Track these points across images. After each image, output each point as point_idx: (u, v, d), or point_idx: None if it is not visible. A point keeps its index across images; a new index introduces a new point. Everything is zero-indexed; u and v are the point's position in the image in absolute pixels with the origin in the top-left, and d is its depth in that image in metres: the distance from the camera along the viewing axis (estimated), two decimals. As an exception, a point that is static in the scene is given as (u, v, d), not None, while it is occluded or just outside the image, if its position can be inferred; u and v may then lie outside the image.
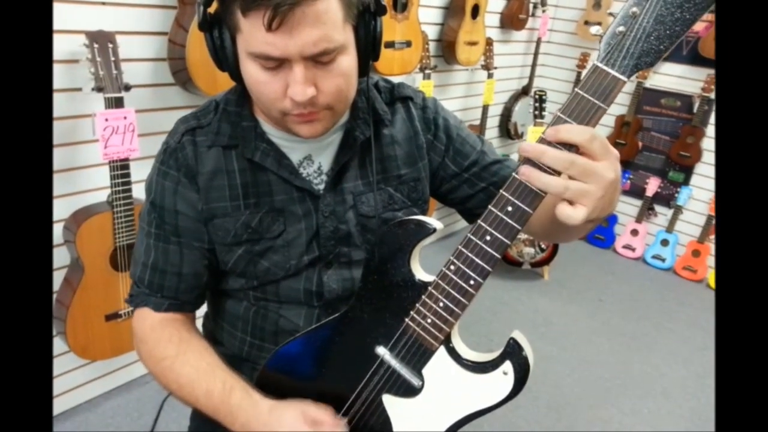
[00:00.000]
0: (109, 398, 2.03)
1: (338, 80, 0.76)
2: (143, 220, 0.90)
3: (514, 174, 0.67)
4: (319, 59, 0.72)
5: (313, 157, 0.89)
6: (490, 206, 0.70)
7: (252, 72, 0.74)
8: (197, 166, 0.86)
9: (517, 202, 0.68)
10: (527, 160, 0.66)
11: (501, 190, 0.69)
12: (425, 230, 0.78)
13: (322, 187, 0.89)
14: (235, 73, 0.78)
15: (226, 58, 0.76)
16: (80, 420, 1.92)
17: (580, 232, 0.89)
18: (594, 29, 0.64)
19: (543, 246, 3.07)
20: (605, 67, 0.63)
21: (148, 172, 0.91)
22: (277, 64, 0.72)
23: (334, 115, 0.81)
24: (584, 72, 3.34)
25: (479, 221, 0.71)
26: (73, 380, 1.93)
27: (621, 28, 0.62)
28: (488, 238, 0.70)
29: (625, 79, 0.62)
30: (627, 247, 3.60)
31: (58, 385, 1.89)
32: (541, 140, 0.65)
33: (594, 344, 2.68)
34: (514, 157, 3.89)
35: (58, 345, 1.77)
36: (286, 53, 0.70)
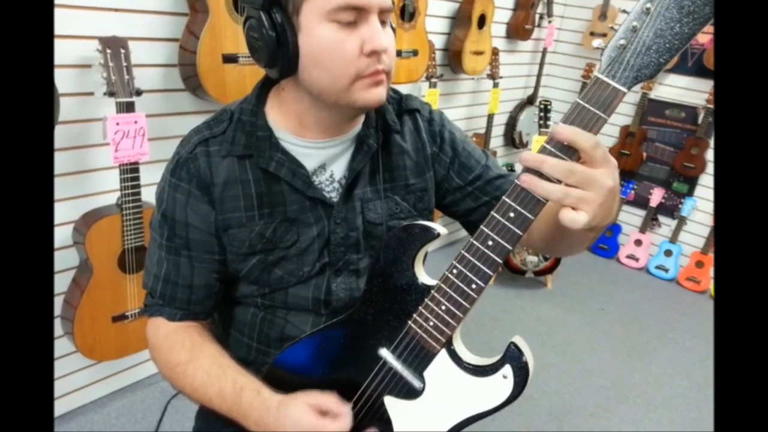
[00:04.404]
0: (113, 399, 2.04)
1: (392, 44, 0.82)
2: (155, 231, 0.91)
3: (516, 181, 0.69)
4: (384, 17, 0.79)
5: (327, 165, 0.90)
6: (492, 212, 0.71)
7: (327, 35, 0.76)
8: (211, 177, 0.86)
9: (518, 208, 0.69)
10: (529, 170, 0.68)
11: (503, 197, 0.71)
12: (429, 235, 0.80)
13: (334, 195, 0.91)
14: (293, 52, 0.78)
15: (285, 36, 0.77)
16: (85, 420, 1.94)
17: (580, 244, 0.89)
18: (596, 42, 0.66)
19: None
20: (606, 79, 0.64)
21: (159, 182, 0.92)
22: (354, 19, 0.76)
23: (388, 84, 0.84)
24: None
25: (482, 226, 0.73)
26: (79, 380, 1.95)
27: (622, 41, 0.64)
28: (490, 243, 0.72)
29: (626, 90, 0.64)
30: (630, 257, 3.60)
31: (64, 385, 1.91)
32: (543, 149, 0.67)
33: (596, 353, 2.68)
34: (519, 165, 3.90)
35: (65, 345, 1.79)
36: (369, 2, 0.75)
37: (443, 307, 0.77)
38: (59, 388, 1.90)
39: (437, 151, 0.98)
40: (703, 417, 2.33)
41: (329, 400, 0.82)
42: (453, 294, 0.76)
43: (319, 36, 0.76)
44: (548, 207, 0.69)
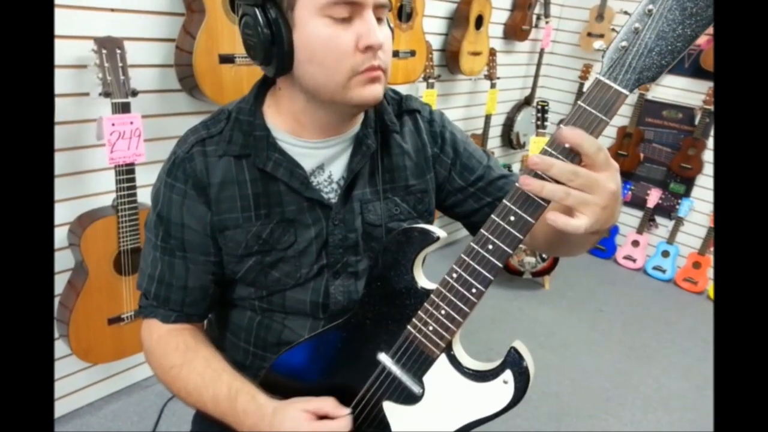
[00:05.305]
0: (110, 401, 2.03)
1: (389, 41, 0.81)
2: (150, 231, 0.90)
3: (516, 184, 0.69)
4: (380, 13, 0.78)
5: (325, 166, 0.90)
6: (492, 215, 0.71)
7: (320, 31, 0.75)
8: (207, 178, 0.85)
9: (519, 211, 0.69)
10: (529, 173, 0.67)
11: (504, 200, 0.70)
12: (429, 238, 0.79)
13: (332, 196, 0.90)
14: (287, 49, 0.77)
15: (280, 32, 0.76)
16: (81, 423, 1.93)
17: (583, 245, 0.89)
18: (597, 44, 0.65)
19: (544, 255, 3.08)
20: (608, 81, 0.64)
21: (155, 182, 0.91)
22: (349, 14, 0.74)
23: (385, 82, 0.83)
24: (587, 84, 3.35)
25: (482, 230, 0.72)
26: (75, 383, 1.93)
27: (623, 43, 0.63)
28: (490, 246, 0.71)
29: (627, 92, 0.63)
30: (628, 257, 3.60)
31: (60, 388, 1.90)
32: (544, 151, 0.66)
33: (594, 354, 2.68)
34: (517, 166, 3.90)
35: (61, 348, 1.78)
36: None
37: (443, 312, 0.76)
38: (55, 390, 1.88)
39: (438, 152, 0.97)
40: (701, 418, 2.33)
41: (327, 403, 0.82)
42: (453, 298, 0.75)
43: (313, 31, 0.75)
44: (550, 208, 0.68)
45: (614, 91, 0.63)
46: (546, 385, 2.40)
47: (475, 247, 0.72)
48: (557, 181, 0.65)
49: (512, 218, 0.69)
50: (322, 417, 0.81)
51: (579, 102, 0.65)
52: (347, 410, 0.83)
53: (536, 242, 0.93)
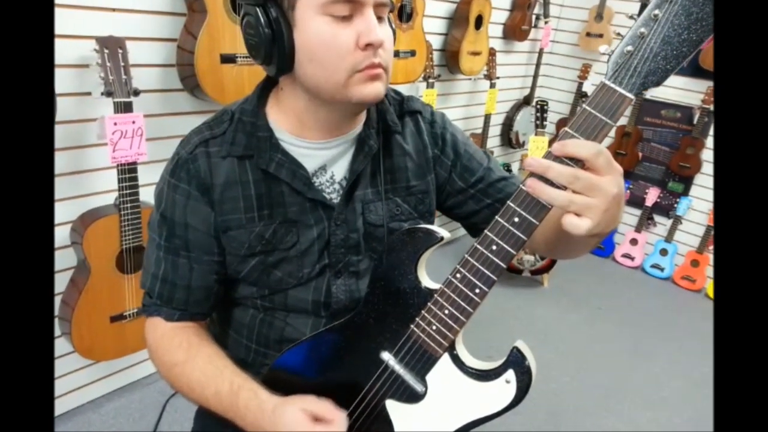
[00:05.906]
0: (111, 399, 2.04)
1: (390, 40, 0.81)
2: (153, 231, 0.91)
3: (521, 186, 0.69)
4: (381, 12, 0.78)
5: (327, 167, 0.90)
6: (497, 217, 0.72)
7: (321, 29, 0.75)
8: (211, 178, 0.86)
9: (523, 213, 0.70)
10: (534, 174, 0.68)
11: (508, 202, 0.71)
12: (433, 239, 0.80)
13: (334, 196, 0.90)
14: (288, 48, 0.78)
15: (280, 32, 0.77)
16: (83, 420, 1.93)
17: (582, 248, 0.90)
18: (603, 48, 0.66)
19: (543, 254, 3.09)
20: (613, 85, 0.65)
21: (158, 181, 0.91)
22: (349, 13, 0.75)
23: (386, 81, 0.83)
24: (586, 83, 3.34)
25: (486, 231, 0.73)
26: (77, 380, 1.94)
27: (629, 48, 0.64)
28: (494, 247, 0.72)
29: (632, 96, 0.64)
30: (626, 256, 3.62)
31: (61, 385, 1.90)
32: (548, 154, 0.67)
33: (593, 352, 2.69)
34: (516, 165, 3.91)
35: (63, 345, 1.78)
36: None
37: (446, 312, 0.77)
38: (57, 388, 1.89)
39: (439, 154, 0.98)
40: (700, 416, 2.34)
41: (324, 406, 0.82)
42: (456, 298, 0.76)
43: (313, 30, 0.76)
44: (552, 211, 0.69)
45: (619, 95, 0.64)
46: (545, 382, 2.41)
47: (480, 248, 0.73)
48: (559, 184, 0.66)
49: (516, 220, 0.70)
50: (319, 418, 0.81)
51: (584, 106, 0.66)
52: (344, 413, 0.83)
53: (535, 244, 0.93)
